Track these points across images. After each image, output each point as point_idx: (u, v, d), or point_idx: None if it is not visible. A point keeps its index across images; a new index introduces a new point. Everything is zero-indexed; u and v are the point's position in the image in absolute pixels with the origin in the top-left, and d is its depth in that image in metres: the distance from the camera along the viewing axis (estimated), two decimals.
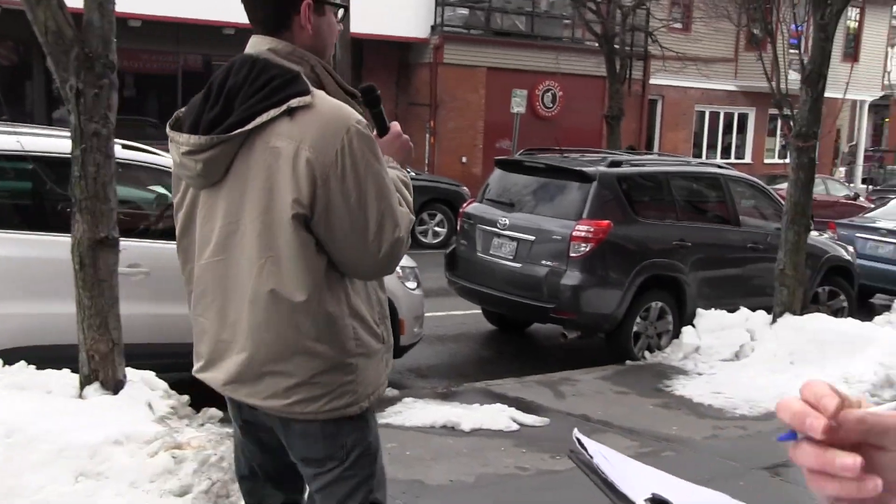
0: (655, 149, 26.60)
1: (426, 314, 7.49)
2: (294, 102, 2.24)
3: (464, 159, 22.95)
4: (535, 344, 9.58)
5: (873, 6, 31.60)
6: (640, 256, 8.13)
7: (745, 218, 9.23)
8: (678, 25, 26.58)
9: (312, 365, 2.34)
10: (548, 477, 5.14)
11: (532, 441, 5.79)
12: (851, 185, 30.07)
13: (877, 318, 9.52)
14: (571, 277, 7.87)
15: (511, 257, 8.34)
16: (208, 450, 4.35)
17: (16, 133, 5.85)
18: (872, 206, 17.96)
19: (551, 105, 24.30)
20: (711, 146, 30.61)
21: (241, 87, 2.30)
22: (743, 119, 31.36)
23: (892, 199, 15.32)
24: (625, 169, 8.56)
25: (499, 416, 6.18)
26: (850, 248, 10.48)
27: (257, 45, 2.40)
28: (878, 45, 32.92)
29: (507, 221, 8.42)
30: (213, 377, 2.48)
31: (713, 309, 8.30)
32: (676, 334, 8.28)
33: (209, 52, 21.39)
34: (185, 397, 5.16)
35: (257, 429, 2.56)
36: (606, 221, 7.97)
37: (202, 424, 4.94)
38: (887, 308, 10.12)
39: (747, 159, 30.00)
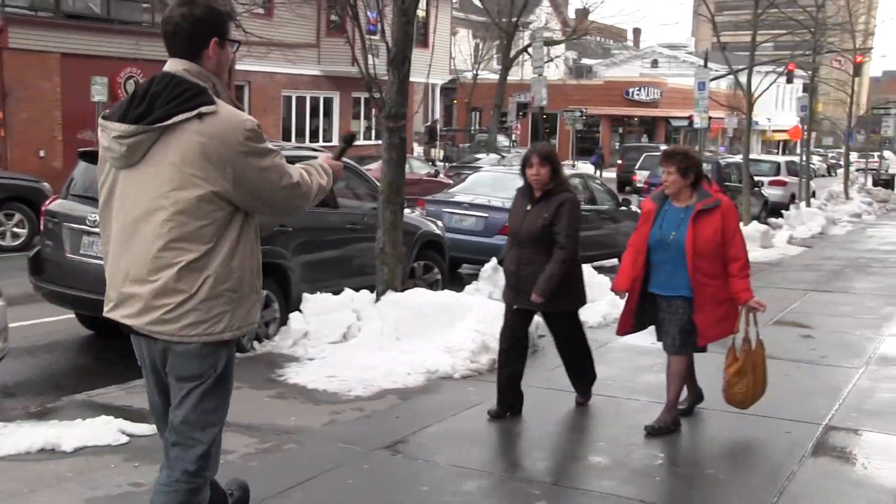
0: None
1: (10, 325, 6.75)
2: (204, 109, 3.20)
3: (42, 153, 21.18)
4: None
5: None
6: None
7: (342, 200, 9.41)
8: (261, 11, 26.58)
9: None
10: None
11: (145, 453, 5.40)
12: (430, 162, 32.18)
13: (467, 288, 10.23)
14: None
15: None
16: None
17: None
18: (452, 182, 19.30)
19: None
20: (300, 131, 31.19)
21: (161, 93, 3.23)
22: (328, 103, 32.29)
23: (468, 174, 16.57)
24: None
25: (104, 430, 5.72)
26: (440, 223, 11.13)
27: (174, 65, 3.32)
28: (444, 33, 35.42)
29: (97, 218, 7.81)
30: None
31: (318, 293, 8.36)
32: (284, 321, 8.23)
33: None
34: None
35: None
36: None
37: None
38: (474, 277, 10.88)
39: (335, 142, 30.91)
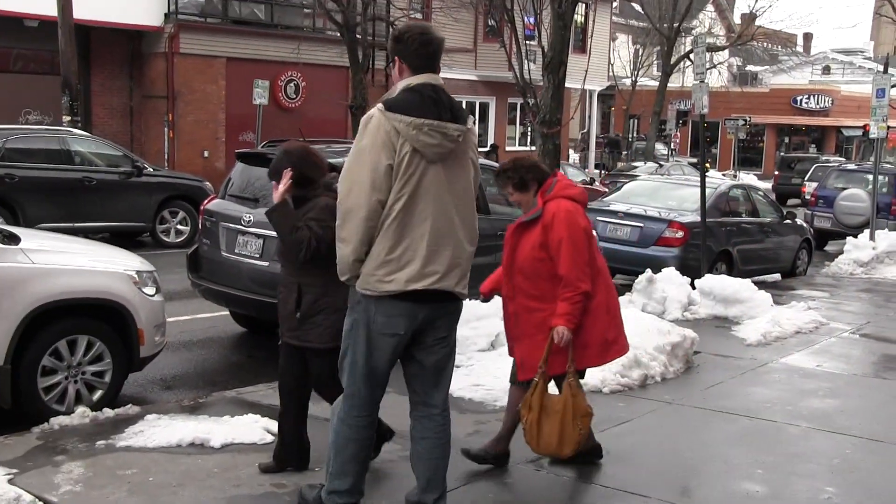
0: None
1: (168, 319, 6.92)
2: (472, 122, 4.16)
3: (206, 153, 22.05)
4: None
5: (599, 2, 33.46)
6: None
7: (494, 206, 9.26)
8: (418, 15, 26.87)
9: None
10: None
11: None
12: (587, 170, 31.73)
13: (620, 300, 9.88)
14: None
15: (257, 255, 7.90)
16: None
17: None
18: (607, 190, 18.91)
19: (294, 96, 23.86)
20: None
21: (451, 102, 4.01)
22: (484, 108, 32.32)
23: (625, 182, 16.15)
24: None
25: (251, 428, 5.77)
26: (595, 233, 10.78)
27: (436, 79, 4.02)
28: (603, 38, 34.93)
29: (252, 218, 7.95)
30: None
31: (468, 299, 8.21)
32: None
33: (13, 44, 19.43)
34: None
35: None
36: None
37: None
38: (628, 289, 10.54)
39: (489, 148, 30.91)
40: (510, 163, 5.24)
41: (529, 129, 32.42)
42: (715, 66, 35.30)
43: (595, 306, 5.01)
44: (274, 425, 5.81)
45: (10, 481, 4.76)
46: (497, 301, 8.31)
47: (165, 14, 21.56)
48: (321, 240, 4.54)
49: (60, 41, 16.11)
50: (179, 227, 15.19)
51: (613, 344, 5.18)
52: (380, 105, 3.89)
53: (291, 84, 23.69)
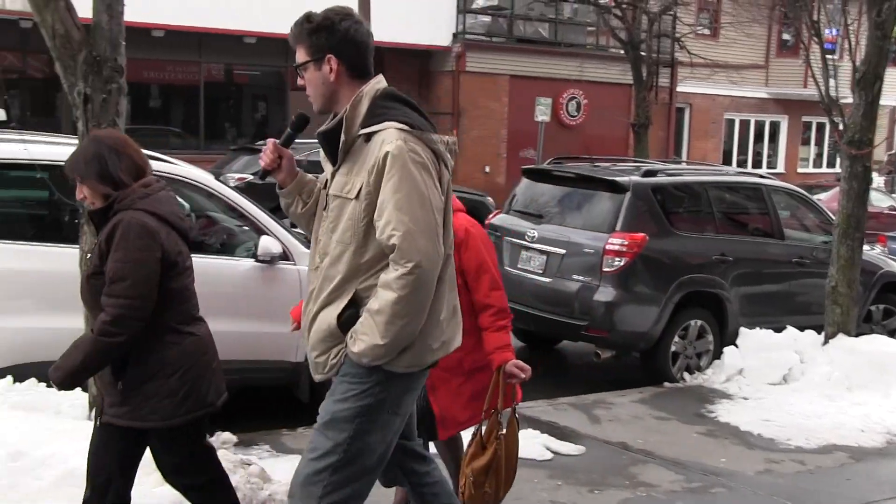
0: (683, 158, 26.01)
1: None
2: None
3: (487, 169, 22.54)
4: (565, 362, 9.13)
5: None
6: (677, 271, 7.67)
7: (789, 231, 8.74)
8: (706, 31, 26.08)
9: None
10: None
11: (568, 472, 5.37)
12: (893, 194, 29.35)
13: None
14: (605, 293, 7.44)
15: (540, 271, 7.92)
16: None
17: (23, 141, 5.65)
18: None
19: (576, 113, 23.87)
20: (742, 155, 29.96)
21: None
22: (775, 127, 30.66)
23: None
24: (660, 178, 8.12)
25: (531, 444, 5.74)
26: None
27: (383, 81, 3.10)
28: None
29: (536, 234, 8.01)
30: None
31: (757, 328, 7.80)
32: (717, 355, 7.81)
33: (231, 61, 21.24)
34: None
35: None
36: (641, 234, 7.53)
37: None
38: None
39: (780, 169, 29.36)
40: None
41: (827, 149, 30.48)
42: None
43: None
44: (554, 443, 5.79)
45: None
46: (790, 331, 7.83)
47: (454, 34, 22.30)
48: (133, 308, 3.15)
49: None
50: None
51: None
52: (399, 125, 2.92)
53: (573, 101, 23.74)
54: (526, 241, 8.09)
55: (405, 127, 2.90)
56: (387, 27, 19.05)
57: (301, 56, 3.03)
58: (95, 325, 3.17)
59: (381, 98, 3.00)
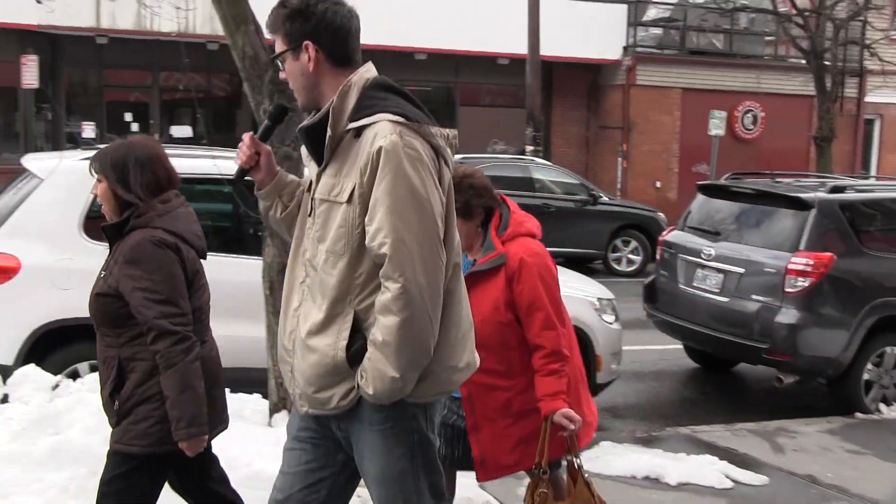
0: (873, 173, 24.61)
1: (623, 348, 6.92)
2: None
3: (657, 184, 22.08)
4: (743, 386, 8.77)
5: None
6: (870, 294, 7.24)
7: None
8: None
9: None
10: None
11: (749, 503, 5.12)
12: None
13: None
14: (787, 315, 7.10)
15: (717, 291, 7.66)
16: None
17: (213, 157, 5.95)
18: None
19: (752, 127, 23.08)
20: None
21: None
22: None
23: None
24: (849, 195, 7.70)
25: (708, 470, 5.57)
26: None
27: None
28: None
29: (713, 252, 7.76)
30: None
31: None
32: None
33: (402, 77, 21.72)
34: None
35: None
36: (828, 254, 7.16)
37: None
38: None
39: None
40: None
41: None
42: None
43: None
44: (733, 470, 5.58)
45: (480, 486, 4.98)
46: None
47: (624, 47, 22.00)
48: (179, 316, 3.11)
49: (528, 76, 17.12)
50: (631, 256, 15.33)
51: (591, 418, 3.89)
52: (393, 117, 2.55)
53: (749, 114, 22.96)
54: (702, 258, 7.85)
55: (400, 119, 2.53)
56: (556, 41, 19.02)
57: (278, 46, 2.70)
58: (160, 361, 3.01)
59: (372, 88, 2.64)
